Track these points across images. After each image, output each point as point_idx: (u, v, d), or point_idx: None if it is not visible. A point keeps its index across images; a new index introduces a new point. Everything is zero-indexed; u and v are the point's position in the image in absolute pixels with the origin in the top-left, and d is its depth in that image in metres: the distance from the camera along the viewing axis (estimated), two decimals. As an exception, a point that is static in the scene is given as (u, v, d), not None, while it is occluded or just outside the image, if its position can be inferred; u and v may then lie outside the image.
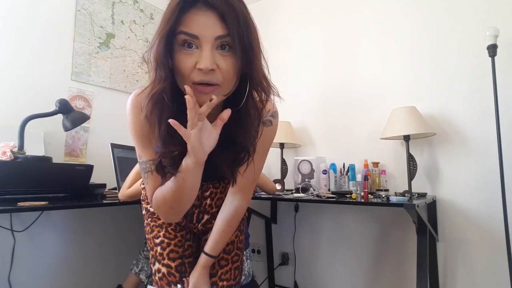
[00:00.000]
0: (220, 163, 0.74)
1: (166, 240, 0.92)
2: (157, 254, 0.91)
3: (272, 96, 0.71)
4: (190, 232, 0.97)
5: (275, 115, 0.83)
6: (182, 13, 0.59)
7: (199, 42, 0.60)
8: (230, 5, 0.59)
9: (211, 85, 0.61)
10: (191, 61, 0.60)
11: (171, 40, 0.60)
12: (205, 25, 0.59)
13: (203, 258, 0.89)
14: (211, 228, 0.91)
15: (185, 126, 0.61)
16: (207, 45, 0.59)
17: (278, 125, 0.86)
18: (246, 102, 0.68)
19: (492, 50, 1.50)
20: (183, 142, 0.64)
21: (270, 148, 0.88)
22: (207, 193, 0.93)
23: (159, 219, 0.94)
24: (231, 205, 0.89)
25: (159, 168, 0.71)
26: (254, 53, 0.63)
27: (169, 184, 0.71)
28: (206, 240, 0.92)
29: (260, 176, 1.23)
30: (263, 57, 0.67)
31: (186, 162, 0.66)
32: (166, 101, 0.64)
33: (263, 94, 0.69)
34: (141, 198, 1.02)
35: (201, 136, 0.62)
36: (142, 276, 1.69)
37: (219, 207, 0.92)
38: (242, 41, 0.60)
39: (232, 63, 0.62)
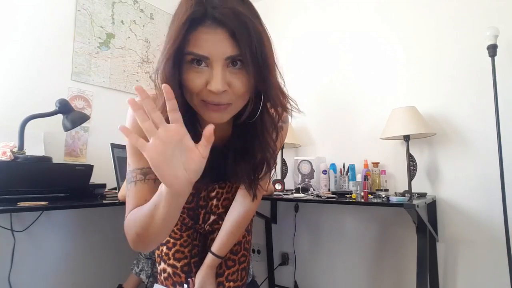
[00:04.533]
0: (240, 175, 0.73)
1: (171, 240, 0.91)
2: (163, 254, 0.90)
3: (290, 111, 0.68)
4: (196, 232, 0.96)
5: (285, 120, 0.81)
6: (190, 31, 0.55)
7: (209, 61, 0.56)
8: (241, 21, 0.54)
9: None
10: (201, 80, 0.57)
11: (179, 59, 0.56)
12: (215, 45, 0.54)
13: (209, 258, 0.88)
14: (218, 228, 0.91)
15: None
16: (217, 65, 0.55)
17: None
18: (262, 115, 0.66)
19: (492, 50, 1.50)
20: None
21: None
22: (213, 194, 0.92)
23: None
24: (241, 207, 0.88)
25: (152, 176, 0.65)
26: (268, 69, 0.59)
27: (145, 206, 0.59)
28: (213, 239, 0.91)
29: None
30: (278, 70, 0.63)
31: (161, 188, 0.54)
32: None
33: (280, 109, 0.67)
34: None
35: (173, 158, 0.49)
36: (143, 276, 1.69)
37: (225, 207, 0.91)
38: (255, 59, 0.56)
39: (244, 81, 0.58)
